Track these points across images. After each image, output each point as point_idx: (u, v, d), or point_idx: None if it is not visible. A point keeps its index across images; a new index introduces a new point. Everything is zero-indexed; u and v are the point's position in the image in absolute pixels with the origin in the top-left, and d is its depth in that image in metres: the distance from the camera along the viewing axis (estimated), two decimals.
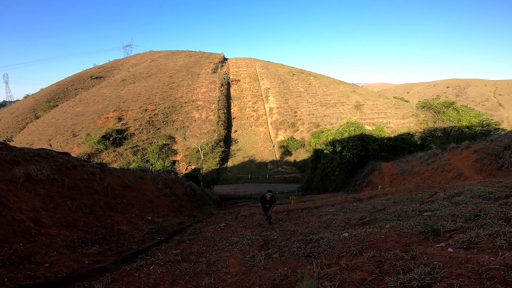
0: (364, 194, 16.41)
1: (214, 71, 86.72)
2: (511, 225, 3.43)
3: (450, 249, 2.91)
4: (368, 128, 41.28)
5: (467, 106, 70.32)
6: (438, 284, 2.22)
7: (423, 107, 58.86)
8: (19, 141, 55.65)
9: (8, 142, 12.34)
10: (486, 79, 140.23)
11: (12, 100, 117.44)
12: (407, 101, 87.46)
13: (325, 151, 34.51)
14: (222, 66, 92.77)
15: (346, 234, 4.83)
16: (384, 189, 18.24)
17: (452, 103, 52.16)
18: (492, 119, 52.90)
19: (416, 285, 2.32)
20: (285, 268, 3.55)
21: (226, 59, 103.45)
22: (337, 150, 32.01)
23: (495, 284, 2.04)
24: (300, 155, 52.58)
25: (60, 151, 16.05)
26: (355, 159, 30.30)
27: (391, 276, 2.61)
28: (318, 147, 37.44)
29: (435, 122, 50.82)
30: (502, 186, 7.47)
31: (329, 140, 34.77)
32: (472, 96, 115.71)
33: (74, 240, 6.30)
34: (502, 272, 2.16)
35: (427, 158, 21.78)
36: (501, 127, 45.89)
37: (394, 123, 57.17)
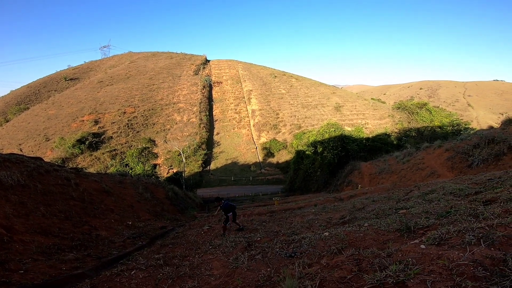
0: (345, 194, 16.81)
1: (196, 73, 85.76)
2: (479, 221, 3.58)
3: (422, 246, 3.01)
4: (348, 129, 42.56)
5: (438, 106, 74.30)
6: (411, 280, 2.29)
7: (398, 108, 61.60)
8: None
9: None
10: (456, 80, 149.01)
11: None
12: (383, 102, 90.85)
13: (307, 152, 35.09)
14: (204, 68, 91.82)
15: (326, 234, 4.91)
16: (363, 188, 18.79)
17: (425, 104, 55.04)
18: (462, 119, 56.42)
19: (391, 282, 2.39)
20: (268, 269, 3.58)
21: (208, 61, 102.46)
22: (319, 151, 32.67)
23: (465, 280, 2.13)
24: (283, 156, 53.11)
25: (32, 156, 15.23)
26: (336, 160, 31.07)
27: (368, 274, 2.68)
28: (300, 148, 38.00)
29: (409, 123, 53.29)
30: (472, 183, 7.85)
31: (310, 141, 35.41)
32: (444, 97, 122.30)
33: (50, 246, 6.05)
34: (472, 268, 2.25)
35: (403, 158, 22.68)
36: (470, 126, 49.01)
37: (372, 123, 59.08)
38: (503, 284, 2.08)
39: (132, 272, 4.19)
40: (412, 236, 3.84)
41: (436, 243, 3.03)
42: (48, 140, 51.70)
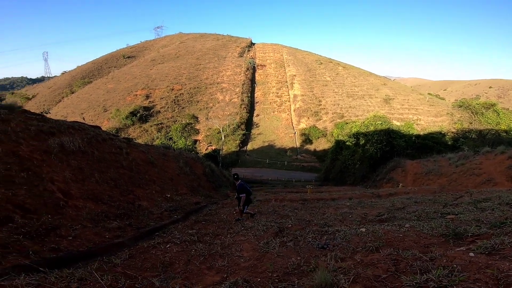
0: (384, 191, 16.13)
1: (241, 55, 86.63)
2: None
3: (471, 254, 2.88)
4: (396, 124, 39.57)
5: (508, 109, 64.62)
6: (455, 287, 2.22)
7: (460, 106, 54.79)
8: (55, 113, 59.56)
9: (45, 114, 13.20)
10: None
11: (51, 76, 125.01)
12: (442, 99, 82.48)
13: (347, 143, 33.75)
14: (248, 50, 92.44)
15: (363, 230, 4.80)
16: (405, 188, 17.78)
17: (493, 105, 48.09)
18: None
19: (432, 286, 2.31)
20: (298, 258, 3.57)
21: (253, 44, 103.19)
22: (360, 143, 31.17)
23: None
24: (321, 144, 51.78)
25: (91, 124, 16.94)
26: (379, 154, 29.37)
27: (407, 275, 2.61)
28: (341, 138, 36.68)
29: (471, 123, 47.38)
30: None
31: (353, 132, 33.86)
32: None
33: (98, 213, 6.59)
34: None
35: (457, 160, 20.78)
36: None
37: (425, 120, 54.31)
38: None
39: (167, 246, 4.50)
40: (459, 243, 3.65)
41: (486, 252, 2.89)
42: (106, 111, 57.40)
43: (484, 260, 2.58)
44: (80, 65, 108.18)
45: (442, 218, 5.53)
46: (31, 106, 66.74)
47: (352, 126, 36.08)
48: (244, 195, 7.30)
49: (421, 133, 40.05)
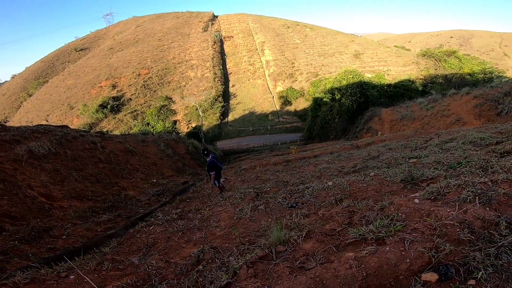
0: (362, 141, 16.58)
1: (205, 29, 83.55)
2: (486, 174, 3.30)
3: (416, 200, 2.81)
4: (368, 76, 40.32)
5: (469, 55, 67.03)
6: (390, 238, 2.20)
7: (424, 55, 57.09)
8: (18, 120, 55.64)
9: (4, 123, 12.42)
10: (492, 31, 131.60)
11: (1, 82, 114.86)
12: (408, 50, 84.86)
13: (324, 99, 34.20)
14: (212, 24, 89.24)
15: (330, 183, 4.85)
16: (383, 135, 18.46)
17: (454, 52, 50.45)
18: (497, 68, 50.68)
19: (371, 238, 2.32)
20: (269, 219, 3.77)
21: (216, 17, 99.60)
22: (336, 98, 31.69)
23: (445, 243, 1.97)
24: (300, 104, 52.18)
25: (58, 124, 16.19)
26: (355, 106, 30.19)
27: (355, 228, 2.63)
28: (317, 95, 37.00)
29: (436, 70, 49.43)
30: (497, 132, 7.30)
31: (327, 88, 34.26)
32: (477, 46, 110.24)
33: (85, 210, 6.72)
34: (458, 229, 2.09)
35: (427, 104, 21.65)
36: (505, 75, 44.21)
37: (395, 70, 55.66)
38: (487, 251, 1.90)
39: (151, 228, 4.73)
40: (415, 188, 3.65)
41: (432, 197, 2.82)
42: (73, 108, 54.19)
43: (428, 207, 2.52)
44: (28, 66, 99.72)
45: (407, 163, 5.53)
46: None
47: (326, 83, 36.43)
48: (214, 172, 7.10)
49: (392, 82, 41.04)
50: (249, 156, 28.97)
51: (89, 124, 48.05)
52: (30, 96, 69.89)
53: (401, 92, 34.65)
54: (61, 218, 6.04)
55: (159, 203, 8.03)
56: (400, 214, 2.56)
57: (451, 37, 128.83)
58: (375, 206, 3.03)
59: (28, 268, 3.32)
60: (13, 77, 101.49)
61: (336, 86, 32.74)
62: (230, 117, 52.47)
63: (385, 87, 34.63)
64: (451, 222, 2.17)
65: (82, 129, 19.86)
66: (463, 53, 58.39)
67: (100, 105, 50.28)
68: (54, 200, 6.67)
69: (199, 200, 7.13)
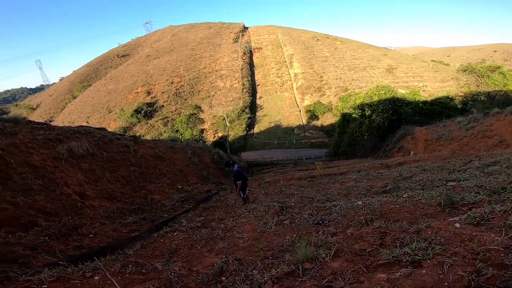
0: (393, 161, 15.92)
1: (235, 40, 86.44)
2: None
3: (457, 225, 2.74)
4: (402, 92, 38.83)
5: None
6: (428, 261, 2.15)
7: (465, 70, 53.55)
8: (61, 120, 60.90)
9: (49, 123, 13.61)
10: None
11: (49, 83, 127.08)
12: (447, 65, 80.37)
13: (353, 115, 33.40)
14: (242, 35, 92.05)
15: (360, 203, 4.73)
16: (416, 156, 17.56)
17: (498, 67, 46.59)
18: None
19: (406, 260, 2.25)
20: (293, 235, 3.68)
21: (247, 28, 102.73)
22: (366, 114, 30.81)
23: (488, 267, 1.91)
24: (327, 119, 51.39)
25: (97, 127, 17.35)
26: (386, 123, 29.05)
27: (388, 249, 2.55)
28: (346, 111, 36.26)
29: (478, 86, 46.11)
30: None
31: (357, 103, 33.43)
32: None
33: (114, 211, 6.99)
34: (502, 254, 2.01)
35: (467, 123, 20.30)
36: None
37: (431, 86, 53.09)
38: None
39: (175, 234, 4.77)
40: (454, 212, 3.46)
41: (474, 222, 2.73)
42: (111, 112, 58.20)
43: (469, 232, 2.46)
44: (75, 69, 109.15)
45: (445, 186, 5.28)
46: (37, 116, 68.41)
47: (356, 98, 35.60)
48: (240, 182, 7.25)
49: (428, 99, 39.03)
50: (272, 169, 28.86)
51: (124, 127, 51.10)
52: (74, 98, 76.44)
53: (438, 110, 32.79)
54: (90, 217, 6.30)
55: (183, 209, 8.18)
56: (438, 237, 2.51)
57: (494, 51, 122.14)
58: (409, 229, 2.96)
59: (54, 265, 3.43)
60: (61, 80, 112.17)
61: (367, 101, 31.84)
62: (256, 129, 52.99)
63: (420, 104, 33.06)
64: (496, 247, 2.11)
65: (118, 132, 21.10)
66: (507, 68, 54.23)
67: (135, 110, 53.51)
68: (86, 199, 7.04)
69: (222, 209, 7.15)
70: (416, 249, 2.35)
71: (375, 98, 31.10)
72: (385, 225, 3.25)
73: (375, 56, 70.95)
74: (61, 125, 12.61)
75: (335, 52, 74.30)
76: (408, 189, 5.86)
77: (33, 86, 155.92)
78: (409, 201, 4.34)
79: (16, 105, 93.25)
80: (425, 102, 35.11)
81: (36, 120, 11.60)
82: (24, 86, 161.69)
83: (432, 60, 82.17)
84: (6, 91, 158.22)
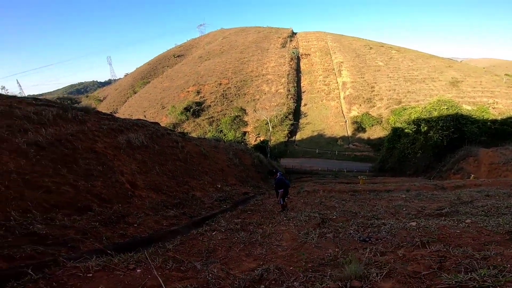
0: (450, 183, 14.49)
1: (283, 45, 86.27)
2: None
3: None
4: (467, 108, 34.70)
5: None
6: (498, 287, 2.05)
7: None
8: (122, 112, 67.73)
9: (114, 114, 15.20)
10: None
11: (116, 78, 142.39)
12: None
13: (406, 130, 30.90)
14: (291, 40, 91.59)
15: (413, 224, 4.48)
16: (477, 180, 15.63)
17: None
18: None
19: (473, 286, 2.14)
20: (336, 249, 3.55)
21: (295, 34, 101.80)
22: (422, 130, 28.27)
23: None
24: (376, 132, 48.31)
25: (152, 121, 18.81)
26: (445, 142, 26.33)
27: (449, 274, 2.43)
28: (398, 125, 33.70)
29: None
30: None
31: (412, 118, 30.82)
32: None
33: (158, 203, 7.31)
34: None
35: None
36: None
37: (503, 104, 46.25)
38: None
39: (213, 233, 4.87)
40: None
41: None
42: (164, 108, 62.96)
43: None
44: (138, 66, 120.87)
45: None
46: (103, 107, 77.04)
47: (411, 112, 32.83)
48: (282, 190, 7.27)
49: (499, 117, 34.34)
50: (311, 179, 28.08)
51: (173, 124, 54.75)
52: (135, 93, 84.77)
53: (509, 130, 28.97)
54: (138, 207, 6.59)
55: (220, 208, 8.38)
56: (509, 265, 2.40)
57: None
58: (475, 255, 2.83)
59: (99, 251, 3.57)
60: (125, 76, 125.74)
61: (424, 116, 29.16)
62: (298, 136, 52.26)
63: (488, 123, 29.39)
64: None
65: (169, 128, 22.61)
66: None
67: (185, 108, 57.05)
68: (136, 188, 7.58)
69: (260, 214, 7.14)
70: (485, 276, 2.24)
71: (435, 114, 28.35)
72: (444, 249, 3.13)
73: (437, 67, 64.58)
74: (122, 117, 13.92)
75: (390, 62, 69.69)
76: (469, 214, 5.52)
77: (102, 80, 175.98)
78: (473, 227, 4.17)
79: (87, 96, 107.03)
80: (494, 121, 31.20)
81: (102, 111, 12.99)
82: (95, 80, 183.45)
83: (506, 74, 71.78)
84: (80, 83, 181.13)
